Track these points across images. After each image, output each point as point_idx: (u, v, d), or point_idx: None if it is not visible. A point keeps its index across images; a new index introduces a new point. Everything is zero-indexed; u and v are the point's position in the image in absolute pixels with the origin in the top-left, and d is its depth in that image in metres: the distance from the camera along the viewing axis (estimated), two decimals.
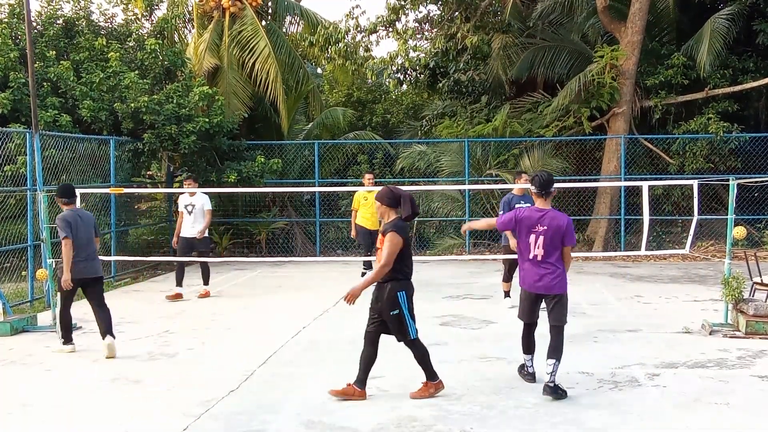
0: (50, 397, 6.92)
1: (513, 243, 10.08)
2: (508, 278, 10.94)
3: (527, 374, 7.12)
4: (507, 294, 10.97)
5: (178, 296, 12.10)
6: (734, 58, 18.22)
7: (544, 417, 6.09)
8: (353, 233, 13.68)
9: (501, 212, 10.19)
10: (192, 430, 5.99)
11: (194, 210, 12.35)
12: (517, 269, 7.18)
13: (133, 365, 8.04)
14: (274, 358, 8.24)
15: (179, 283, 12.23)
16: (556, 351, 6.66)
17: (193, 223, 12.30)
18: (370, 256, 13.73)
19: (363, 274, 13.67)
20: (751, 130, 17.77)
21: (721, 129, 16.77)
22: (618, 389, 6.89)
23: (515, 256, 9.92)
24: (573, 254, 9.54)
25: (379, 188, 13.25)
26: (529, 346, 7.08)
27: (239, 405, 6.54)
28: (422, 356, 6.70)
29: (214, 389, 6.98)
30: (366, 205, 13.22)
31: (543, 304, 6.92)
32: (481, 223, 8.73)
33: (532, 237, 6.69)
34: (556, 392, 6.51)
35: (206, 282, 12.46)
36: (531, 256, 6.74)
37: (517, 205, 10.03)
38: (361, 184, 14.26)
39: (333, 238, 18.79)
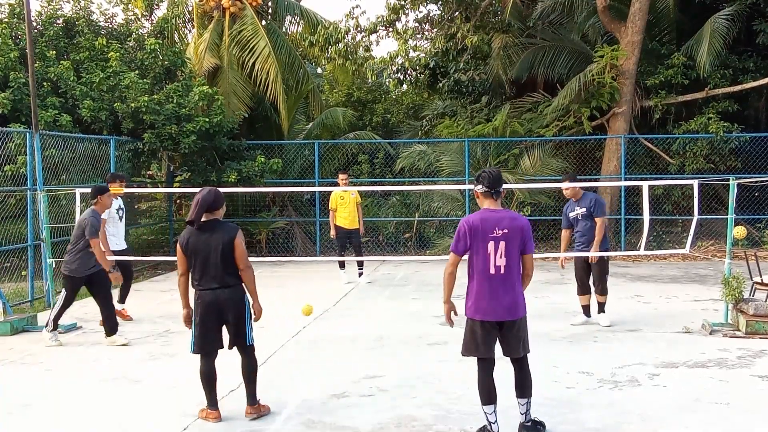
0: (50, 396, 6.92)
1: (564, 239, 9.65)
2: (583, 290, 9.72)
3: None
4: (586, 310, 9.73)
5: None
6: (734, 57, 18.22)
7: (544, 417, 6.08)
8: (333, 233, 13.60)
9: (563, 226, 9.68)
10: (192, 430, 6.00)
11: (124, 215, 10.74)
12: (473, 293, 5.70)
13: (134, 365, 8.04)
14: (275, 358, 8.24)
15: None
16: (527, 388, 5.70)
17: (121, 230, 10.61)
18: (343, 256, 13.75)
19: (360, 274, 13.69)
20: (751, 130, 17.77)
21: (722, 129, 16.77)
22: (618, 389, 6.88)
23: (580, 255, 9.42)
24: (573, 254, 9.56)
25: (355, 188, 13.34)
26: (490, 392, 5.60)
27: (239, 405, 6.53)
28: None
29: None
30: (343, 205, 13.23)
31: None
32: (447, 282, 5.80)
33: (491, 244, 5.47)
34: (536, 429, 5.77)
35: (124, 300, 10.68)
36: (492, 271, 5.50)
37: (570, 214, 9.55)
38: (361, 185, 14.23)
39: (333, 238, 18.82)
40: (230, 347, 6.31)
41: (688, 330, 9.29)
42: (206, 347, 6.22)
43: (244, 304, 6.24)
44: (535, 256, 5.90)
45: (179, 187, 17.59)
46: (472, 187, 5.91)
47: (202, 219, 6.11)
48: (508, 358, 5.81)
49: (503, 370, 5.96)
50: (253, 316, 6.31)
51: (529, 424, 5.75)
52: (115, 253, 10.27)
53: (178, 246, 6.19)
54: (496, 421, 5.61)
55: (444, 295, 5.81)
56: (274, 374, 7.61)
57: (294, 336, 9.23)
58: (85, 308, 11.44)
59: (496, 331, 5.64)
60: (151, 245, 17.51)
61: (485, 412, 5.64)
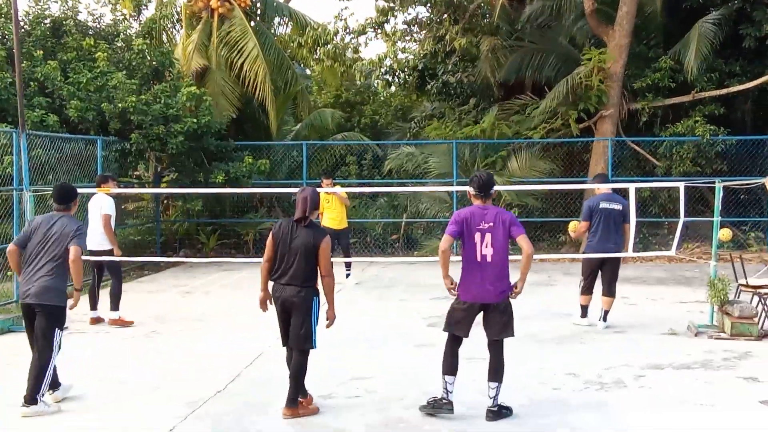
0: None
1: (581, 226, 9.80)
2: (587, 290, 9.85)
3: (445, 403, 6.17)
4: (585, 310, 9.85)
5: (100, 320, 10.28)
6: (721, 61, 18.29)
7: (531, 418, 6.12)
8: None
9: (581, 219, 9.82)
10: (178, 431, 5.98)
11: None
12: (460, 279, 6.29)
13: (120, 366, 8.01)
14: (262, 359, 8.24)
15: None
16: (499, 372, 6.16)
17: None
18: (332, 256, 13.76)
19: (348, 275, 13.70)
20: (737, 134, 17.85)
21: (708, 132, 16.84)
22: (604, 390, 6.91)
23: (595, 256, 9.58)
24: (559, 255, 9.60)
25: (338, 189, 13.37)
26: (453, 364, 6.27)
27: (226, 405, 6.53)
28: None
29: (200, 390, 6.97)
30: (330, 207, 13.28)
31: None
32: (442, 260, 6.21)
33: (478, 235, 6.13)
34: (500, 414, 6.12)
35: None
36: (479, 258, 6.13)
37: (602, 204, 9.55)
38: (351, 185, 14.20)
39: None
40: (289, 345, 6.39)
41: (674, 332, 9.34)
42: (284, 340, 6.44)
43: (310, 307, 6.28)
44: (518, 258, 6.09)
45: (166, 187, 17.53)
46: (461, 188, 6.32)
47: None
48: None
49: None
50: (321, 322, 6.38)
51: (495, 408, 6.12)
52: (103, 253, 10.15)
53: (270, 234, 6.38)
54: (453, 391, 6.21)
55: (442, 272, 6.28)
56: (261, 374, 7.60)
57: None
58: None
59: (476, 313, 6.23)
60: (138, 246, 17.44)
61: (446, 381, 6.22)
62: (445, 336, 6.33)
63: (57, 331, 6.48)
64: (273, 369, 7.76)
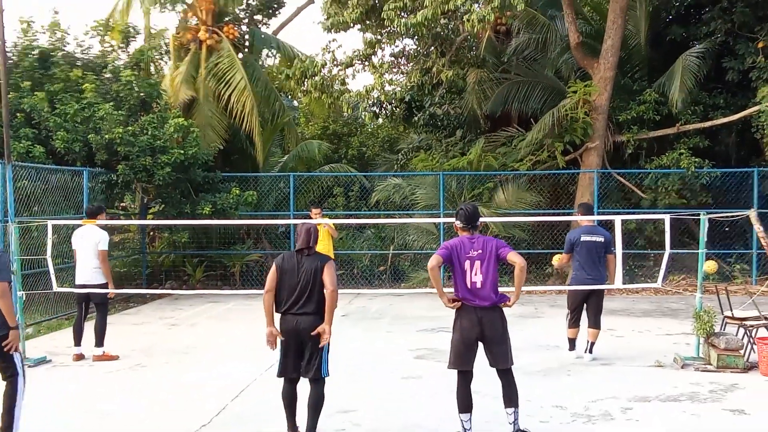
0: (20, 430, 6.79)
1: (562, 258, 9.88)
2: (574, 323, 9.87)
3: None
4: (572, 343, 9.93)
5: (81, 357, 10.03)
6: (705, 94, 18.49)
7: None
8: None
9: (563, 252, 9.87)
10: None
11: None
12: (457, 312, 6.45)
13: (105, 398, 7.93)
14: (248, 392, 8.18)
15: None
16: (513, 398, 6.28)
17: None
18: None
19: None
20: (721, 166, 17.99)
21: (693, 164, 16.95)
22: (591, 423, 6.89)
23: (580, 288, 9.59)
24: (546, 287, 9.61)
25: (326, 220, 13.42)
26: (467, 401, 6.33)
27: None
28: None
29: (186, 423, 6.91)
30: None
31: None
32: (434, 278, 6.37)
33: (467, 263, 6.26)
34: None
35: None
36: (469, 285, 6.25)
37: (583, 237, 9.53)
38: (338, 217, 14.17)
39: None
40: (304, 376, 6.31)
41: (661, 364, 9.34)
42: (288, 372, 6.34)
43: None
44: (510, 289, 6.18)
45: (153, 219, 17.48)
46: (448, 220, 6.42)
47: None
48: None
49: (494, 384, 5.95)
50: (326, 343, 6.32)
51: (519, 430, 6.23)
52: (93, 287, 9.93)
53: (274, 265, 6.49)
54: (471, 427, 6.28)
55: (438, 291, 6.38)
56: (247, 408, 7.54)
57: (267, 369, 9.17)
58: (55, 341, 11.29)
59: (475, 344, 6.29)
60: (124, 277, 17.35)
61: (461, 420, 6.27)
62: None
63: (15, 354, 6.20)
64: (259, 402, 7.71)
